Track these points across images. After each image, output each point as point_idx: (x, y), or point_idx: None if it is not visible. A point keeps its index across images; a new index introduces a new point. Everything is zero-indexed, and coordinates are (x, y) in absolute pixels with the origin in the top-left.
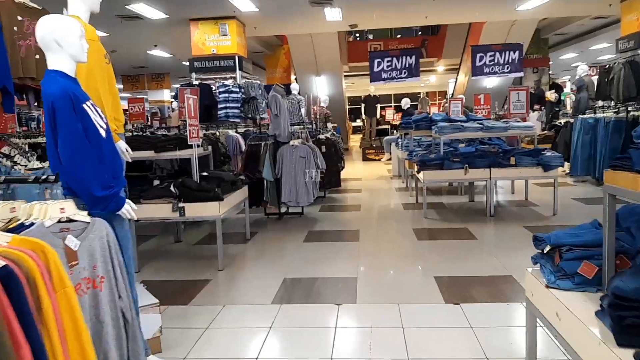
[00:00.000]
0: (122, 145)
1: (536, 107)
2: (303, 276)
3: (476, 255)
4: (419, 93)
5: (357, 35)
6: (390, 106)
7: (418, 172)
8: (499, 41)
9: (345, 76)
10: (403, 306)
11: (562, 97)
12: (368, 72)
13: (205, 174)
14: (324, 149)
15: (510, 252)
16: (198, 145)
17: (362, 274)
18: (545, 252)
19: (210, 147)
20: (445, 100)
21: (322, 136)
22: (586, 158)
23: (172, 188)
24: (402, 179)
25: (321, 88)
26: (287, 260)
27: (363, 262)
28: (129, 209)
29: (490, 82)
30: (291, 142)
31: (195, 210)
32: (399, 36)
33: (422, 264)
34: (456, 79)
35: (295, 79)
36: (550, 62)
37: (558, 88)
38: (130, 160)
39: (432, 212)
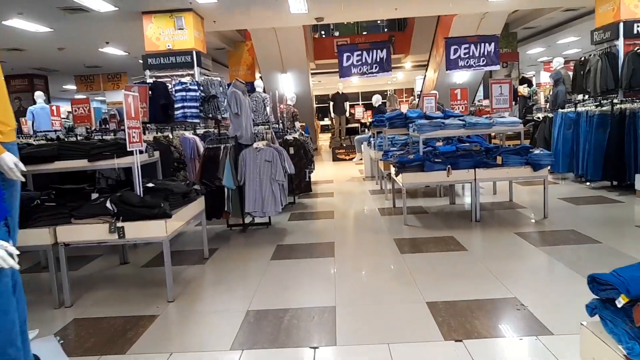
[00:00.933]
0: (7, 159)
1: None
2: (270, 307)
3: (469, 271)
4: (386, 90)
5: (323, 32)
6: (359, 104)
7: (396, 174)
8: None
9: (312, 74)
10: (394, 346)
11: (531, 91)
12: (335, 70)
13: (150, 185)
14: (292, 150)
15: (506, 265)
16: (141, 152)
17: (341, 302)
18: (618, 303)
19: (157, 153)
20: (413, 97)
21: (289, 137)
22: (568, 154)
23: (108, 204)
24: (376, 181)
25: (287, 86)
26: (251, 286)
27: (341, 284)
28: (5, 256)
29: (460, 77)
30: (255, 145)
31: (138, 230)
32: (365, 33)
33: (410, 285)
34: (425, 75)
35: (260, 77)
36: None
37: (528, 82)
38: (22, 179)
39: (412, 218)
